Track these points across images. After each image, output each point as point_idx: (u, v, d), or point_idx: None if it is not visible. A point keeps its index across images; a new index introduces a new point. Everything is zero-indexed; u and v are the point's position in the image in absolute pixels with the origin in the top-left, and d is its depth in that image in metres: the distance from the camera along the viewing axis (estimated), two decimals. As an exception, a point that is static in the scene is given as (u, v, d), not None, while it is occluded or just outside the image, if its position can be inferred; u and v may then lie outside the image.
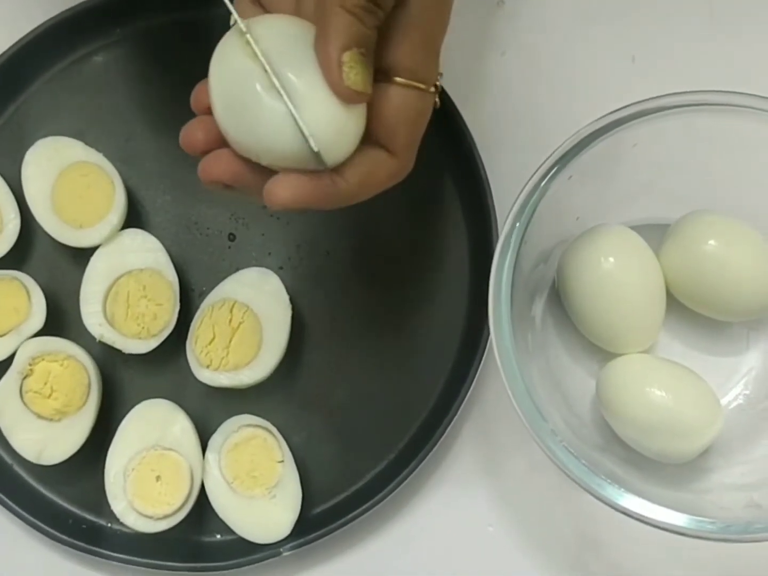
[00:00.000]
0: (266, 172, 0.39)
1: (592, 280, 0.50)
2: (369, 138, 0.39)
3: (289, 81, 0.37)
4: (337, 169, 0.39)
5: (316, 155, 0.38)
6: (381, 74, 0.39)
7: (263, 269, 0.55)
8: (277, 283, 0.54)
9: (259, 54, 0.38)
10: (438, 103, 0.42)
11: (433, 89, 0.41)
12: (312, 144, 0.37)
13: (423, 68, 0.40)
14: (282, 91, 0.37)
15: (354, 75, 0.37)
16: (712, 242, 0.50)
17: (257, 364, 0.54)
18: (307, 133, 0.37)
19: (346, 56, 0.37)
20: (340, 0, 0.37)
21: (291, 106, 0.37)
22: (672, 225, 0.52)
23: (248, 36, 0.38)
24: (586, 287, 0.50)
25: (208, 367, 0.54)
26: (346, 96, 0.37)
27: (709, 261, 0.50)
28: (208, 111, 0.40)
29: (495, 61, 0.58)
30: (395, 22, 0.39)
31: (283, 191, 0.38)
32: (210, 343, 0.54)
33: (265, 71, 0.37)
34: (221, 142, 0.40)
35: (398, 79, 0.39)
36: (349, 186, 0.40)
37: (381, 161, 0.40)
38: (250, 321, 0.54)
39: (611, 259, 0.50)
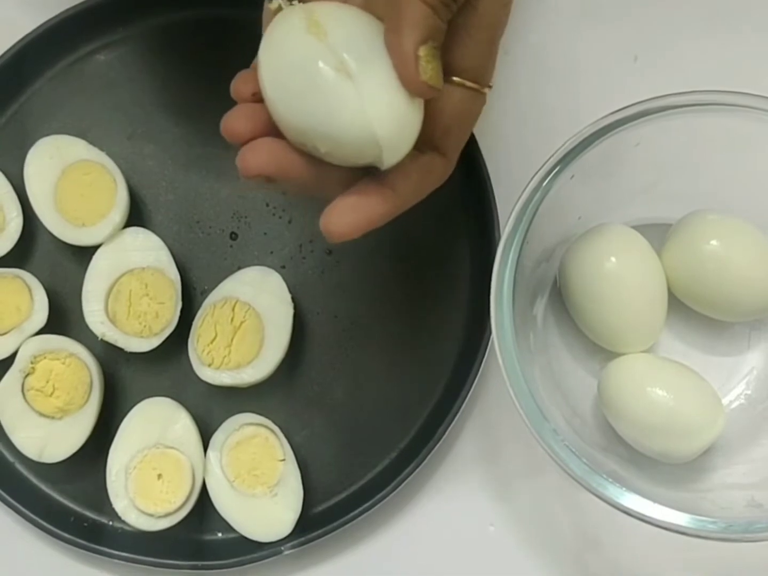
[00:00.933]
0: (314, 163, 0.38)
1: (594, 279, 0.50)
2: (420, 138, 0.38)
3: (356, 67, 0.36)
4: (390, 180, 0.38)
5: (378, 149, 0.36)
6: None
7: (265, 268, 0.55)
8: (279, 282, 0.54)
9: (326, 34, 0.36)
10: (486, 102, 0.41)
11: (487, 90, 0.40)
12: (379, 133, 0.36)
13: (482, 69, 0.40)
14: (352, 73, 0.35)
15: (431, 69, 0.36)
16: (714, 242, 0.50)
17: (259, 363, 0.54)
18: (375, 121, 0.36)
19: (423, 50, 0.35)
20: None
21: (359, 91, 0.35)
22: (674, 225, 0.52)
23: (314, 15, 0.36)
24: (588, 287, 0.50)
25: (210, 365, 0.54)
26: (420, 90, 0.36)
27: (710, 261, 0.50)
28: (250, 99, 0.38)
29: (498, 60, 0.58)
30: (461, 20, 0.38)
31: (341, 223, 0.37)
32: (212, 341, 0.54)
33: (332, 53, 0.36)
34: (266, 130, 0.38)
35: (456, 79, 0.39)
36: (403, 198, 0.39)
37: (432, 164, 0.40)
38: (252, 320, 0.54)
39: (613, 259, 0.50)
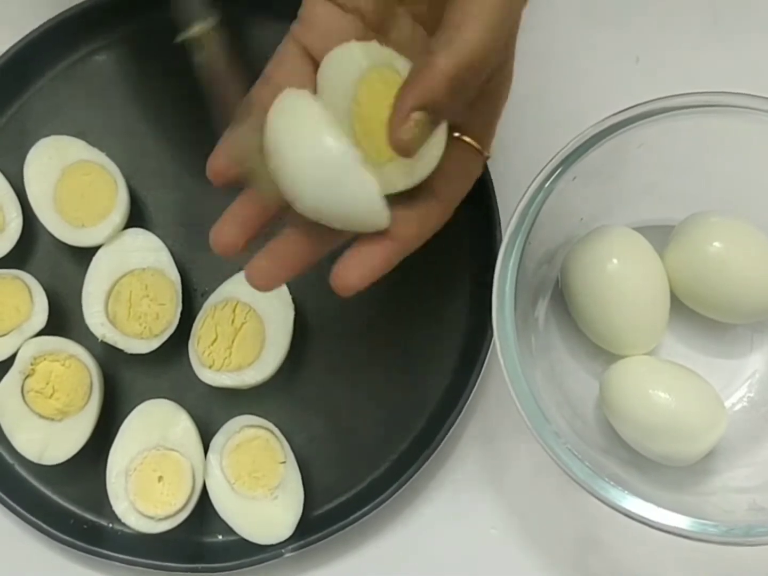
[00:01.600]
0: (316, 241, 0.42)
1: (596, 281, 0.50)
2: (421, 186, 0.41)
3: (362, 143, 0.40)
4: (391, 230, 0.41)
5: (387, 219, 0.40)
6: (451, 130, 0.41)
7: None
8: None
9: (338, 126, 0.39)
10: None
11: (487, 154, 0.44)
12: (387, 213, 0.40)
13: (485, 135, 0.44)
14: (362, 162, 0.39)
15: (416, 133, 0.37)
16: (716, 243, 0.50)
17: (260, 365, 0.53)
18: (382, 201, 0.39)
19: (418, 114, 0.37)
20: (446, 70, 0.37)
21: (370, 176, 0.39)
22: (676, 226, 0.52)
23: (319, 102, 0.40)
24: (590, 289, 0.50)
25: (210, 367, 0.53)
26: (396, 144, 0.38)
27: (713, 262, 0.50)
28: (228, 181, 0.41)
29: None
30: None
31: (349, 279, 0.40)
32: (212, 343, 0.54)
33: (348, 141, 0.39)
34: (257, 231, 0.42)
35: (465, 138, 0.42)
36: (404, 245, 0.41)
37: (430, 212, 0.42)
38: (252, 321, 0.54)
39: (615, 261, 0.50)
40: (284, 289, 0.54)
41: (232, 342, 0.54)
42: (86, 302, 0.54)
